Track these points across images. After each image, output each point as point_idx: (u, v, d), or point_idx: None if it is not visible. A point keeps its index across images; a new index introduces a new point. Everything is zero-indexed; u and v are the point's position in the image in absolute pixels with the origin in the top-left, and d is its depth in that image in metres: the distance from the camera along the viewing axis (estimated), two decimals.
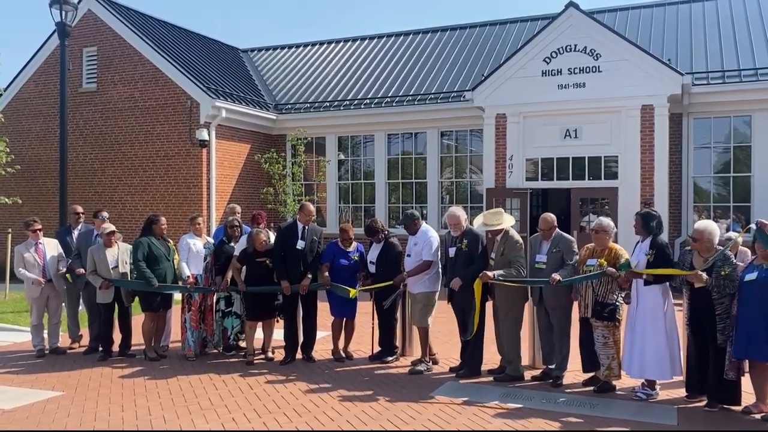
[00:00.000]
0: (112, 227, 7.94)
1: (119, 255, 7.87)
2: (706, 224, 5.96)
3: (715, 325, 5.74)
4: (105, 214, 8.74)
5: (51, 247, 8.17)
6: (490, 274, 6.62)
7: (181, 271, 7.86)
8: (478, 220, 7.08)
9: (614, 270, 6.18)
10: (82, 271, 7.97)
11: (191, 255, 7.95)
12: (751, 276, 5.61)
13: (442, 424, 5.47)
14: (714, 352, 5.76)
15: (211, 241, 8.32)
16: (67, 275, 8.09)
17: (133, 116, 16.49)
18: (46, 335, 8.19)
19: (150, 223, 7.87)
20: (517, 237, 6.88)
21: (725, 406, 5.79)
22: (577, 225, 13.97)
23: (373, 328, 7.77)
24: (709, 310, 5.76)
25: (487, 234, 7.04)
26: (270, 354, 7.83)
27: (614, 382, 6.40)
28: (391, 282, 7.36)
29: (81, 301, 8.62)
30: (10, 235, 13.37)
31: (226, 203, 14.88)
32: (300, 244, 7.54)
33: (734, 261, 5.92)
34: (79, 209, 8.89)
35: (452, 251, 7.03)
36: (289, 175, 16.34)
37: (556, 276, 6.38)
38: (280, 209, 15.75)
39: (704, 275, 5.72)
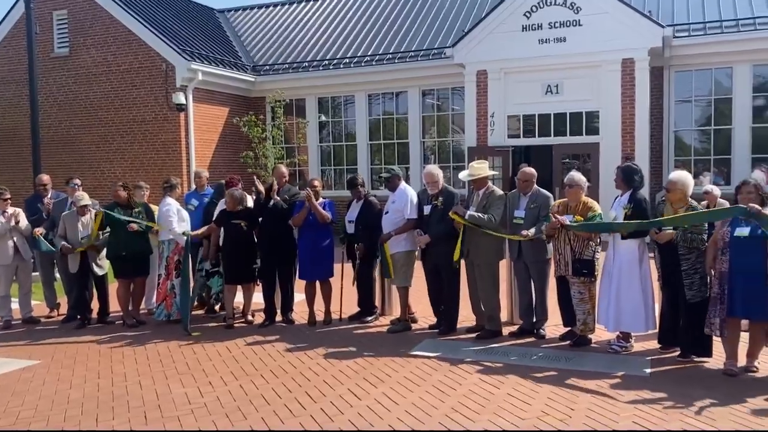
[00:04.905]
0: (86, 201, 7.76)
1: (90, 224, 7.74)
2: (680, 174, 5.90)
3: (682, 281, 5.71)
4: (77, 181, 8.62)
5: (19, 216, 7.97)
6: (463, 210, 6.63)
7: (177, 236, 7.66)
8: (464, 173, 7.05)
9: (560, 219, 6.17)
10: (41, 231, 7.80)
11: (181, 216, 7.81)
12: (743, 231, 5.32)
13: (419, 381, 5.49)
14: (684, 307, 5.76)
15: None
16: (34, 237, 7.87)
17: (107, 81, 16.15)
18: (14, 306, 8.10)
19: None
20: (500, 192, 6.91)
21: (698, 357, 5.84)
22: (559, 182, 13.93)
23: (342, 288, 7.77)
24: (676, 265, 5.73)
25: (470, 188, 7.01)
26: (250, 317, 7.82)
27: (590, 336, 6.45)
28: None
29: (56, 270, 8.52)
30: None
31: (206, 167, 14.69)
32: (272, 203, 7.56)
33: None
34: (45, 179, 8.67)
35: (427, 209, 7.05)
36: (269, 138, 16.13)
37: (526, 232, 6.44)
38: (261, 173, 15.57)
39: (669, 232, 5.66)
